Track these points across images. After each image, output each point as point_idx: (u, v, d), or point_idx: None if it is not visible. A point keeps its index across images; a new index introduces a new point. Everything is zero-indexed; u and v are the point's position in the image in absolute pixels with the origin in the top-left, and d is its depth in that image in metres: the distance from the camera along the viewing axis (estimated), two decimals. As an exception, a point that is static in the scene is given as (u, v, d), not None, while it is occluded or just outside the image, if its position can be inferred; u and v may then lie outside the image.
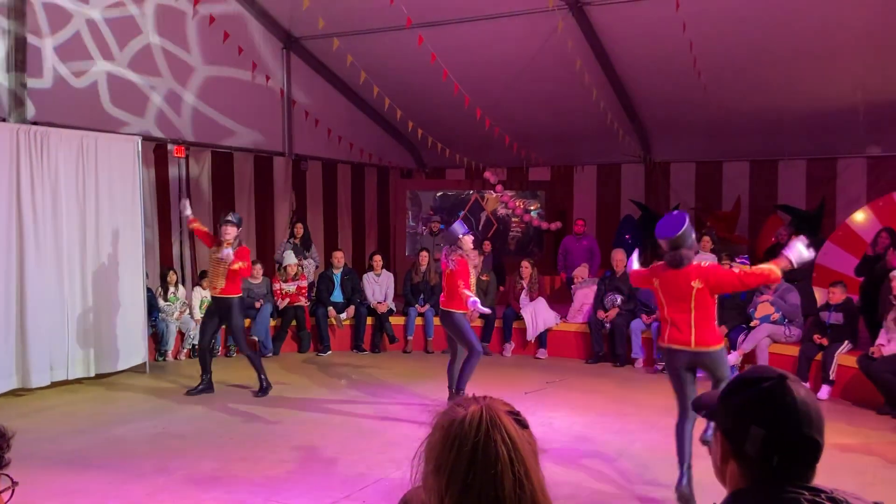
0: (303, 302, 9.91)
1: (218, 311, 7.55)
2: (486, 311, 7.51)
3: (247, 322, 9.66)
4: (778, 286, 8.12)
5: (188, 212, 7.86)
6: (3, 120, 7.58)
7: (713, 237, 10.33)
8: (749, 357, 8.09)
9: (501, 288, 10.59)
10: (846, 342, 7.52)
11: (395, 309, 10.10)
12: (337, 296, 10.00)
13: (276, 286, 9.89)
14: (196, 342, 9.36)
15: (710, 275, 4.82)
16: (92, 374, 8.01)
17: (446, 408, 1.39)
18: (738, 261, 8.55)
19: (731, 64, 9.21)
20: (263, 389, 7.55)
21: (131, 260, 8.40)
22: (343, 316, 9.95)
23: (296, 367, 9.06)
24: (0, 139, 7.30)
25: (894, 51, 8.51)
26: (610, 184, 12.54)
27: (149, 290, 8.83)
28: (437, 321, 9.83)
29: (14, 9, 7.66)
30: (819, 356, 7.61)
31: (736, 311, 8.42)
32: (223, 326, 7.95)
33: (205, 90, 9.95)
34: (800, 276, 8.72)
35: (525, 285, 9.84)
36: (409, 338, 9.86)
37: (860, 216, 9.19)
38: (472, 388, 7.58)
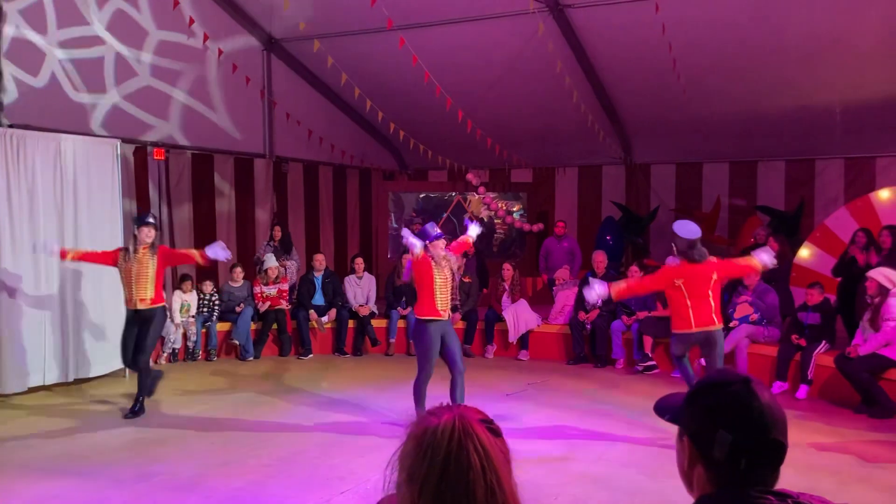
0: (284, 305, 9.87)
1: (140, 322, 6.86)
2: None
3: (227, 325, 9.62)
4: (756, 286, 8.20)
5: (55, 248, 7.02)
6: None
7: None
8: (728, 357, 8.14)
9: (484, 290, 10.60)
10: (824, 342, 7.60)
11: (377, 312, 10.09)
12: (318, 299, 9.97)
13: (257, 289, 9.85)
14: (176, 346, 9.33)
15: (722, 267, 6.27)
16: (70, 380, 7.94)
17: (419, 416, 1.39)
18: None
19: (711, 66, 9.28)
20: (135, 411, 6.87)
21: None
22: (324, 319, 9.92)
23: (277, 370, 9.03)
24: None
25: (870, 54, 8.62)
26: (591, 185, 12.60)
27: (128, 293, 8.75)
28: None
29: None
30: (797, 356, 7.69)
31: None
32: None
33: (185, 92, 9.89)
34: (778, 277, 8.80)
35: (507, 287, 9.86)
36: (392, 341, 9.85)
37: (837, 217, 9.28)
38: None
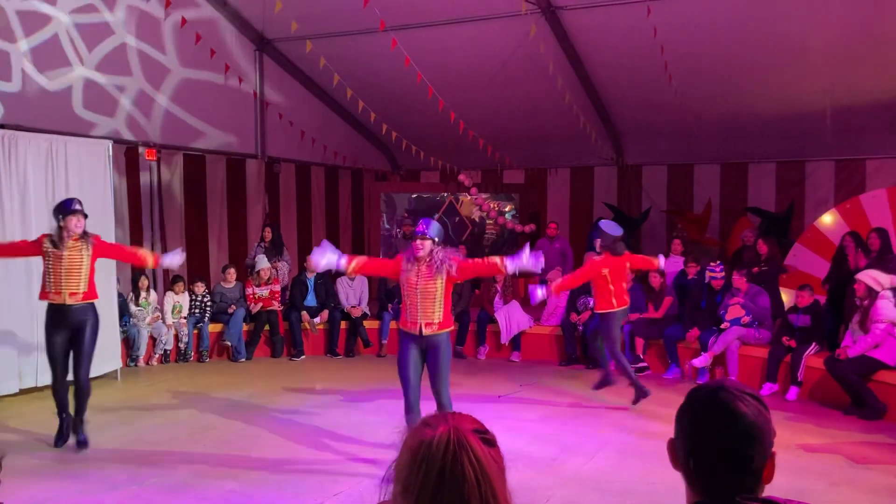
0: (276, 306, 9.86)
1: (72, 325, 5.94)
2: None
3: (219, 327, 9.61)
4: (749, 289, 8.24)
5: None
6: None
7: (684, 239, 10.45)
8: (719, 359, 8.20)
9: (476, 291, 10.62)
10: (814, 344, 7.65)
11: (369, 313, 10.09)
12: (311, 300, 9.97)
13: (249, 290, 9.84)
14: (168, 347, 9.31)
15: (633, 260, 7.55)
16: (62, 381, 7.90)
17: (414, 427, 1.40)
18: (717, 270, 8.65)
19: (702, 68, 9.33)
20: (62, 435, 6.01)
21: (103, 265, 8.27)
22: (317, 320, 9.92)
23: (269, 371, 9.02)
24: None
25: (861, 57, 8.67)
26: (583, 186, 12.63)
27: (120, 295, 8.74)
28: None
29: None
30: (787, 358, 7.73)
31: (707, 313, 8.53)
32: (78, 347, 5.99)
33: (177, 92, 9.88)
34: (769, 279, 8.86)
35: (499, 288, 9.89)
36: (384, 342, 9.86)
37: (828, 218, 9.35)
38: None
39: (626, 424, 6.70)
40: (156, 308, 9.27)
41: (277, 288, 9.99)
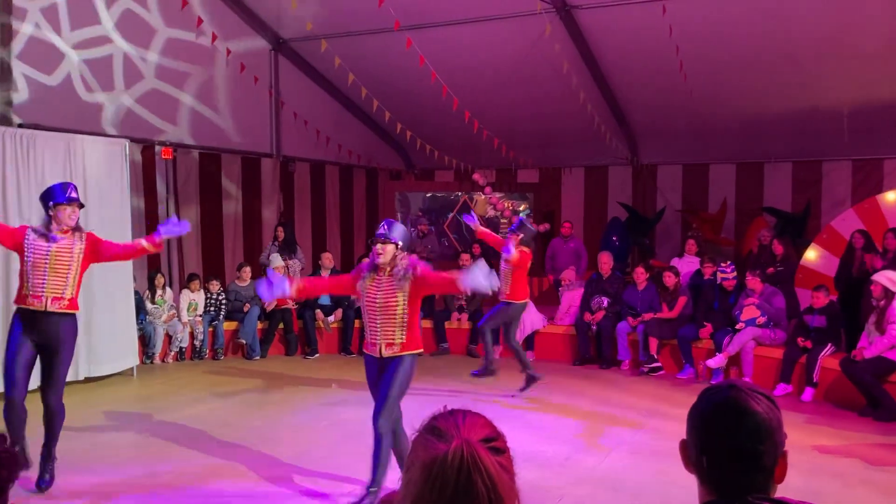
0: (290, 304, 9.91)
1: (47, 336, 4.94)
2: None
3: (234, 325, 9.67)
4: (763, 289, 8.20)
5: None
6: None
7: (699, 239, 10.41)
8: (734, 359, 8.17)
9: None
10: (829, 345, 7.60)
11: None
12: (324, 298, 10.00)
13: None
14: (183, 345, 9.38)
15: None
16: (80, 378, 7.98)
17: (425, 437, 1.39)
18: (728, 270, 8.62)
19: (718, 67, 9.28)
20: (44, 483, 5.00)
21: (120, 263, 8.36)
22: (331, 319, 9.96)
23: (283, 370, 9.07)
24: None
25: (878, 55, 8.61)
26: (597, 186, 12.60)
27: (136, 292, 8.82)
28: (425, 323, 9.87)
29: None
30: (803, 359, 7.69)
31: (722, 314, 8.49)
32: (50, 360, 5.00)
33: (194, 92, 9.94)
34: (784, 279, 8.81)
35: (512, 288, 9.87)
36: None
37: (844, 219, 9.28)
38: (458, 391, 7.63)
39: (641, 423, 6.69)
40: (171, 306, 9.34)
41: (292, 286, 10.03)
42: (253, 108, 10.78)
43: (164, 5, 9.34)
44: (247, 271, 9.88)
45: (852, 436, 6.42)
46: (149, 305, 9.14)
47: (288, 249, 10.52)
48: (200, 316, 9.50)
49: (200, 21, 9.29)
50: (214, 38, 9.47)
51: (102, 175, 8.18)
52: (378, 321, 4.69)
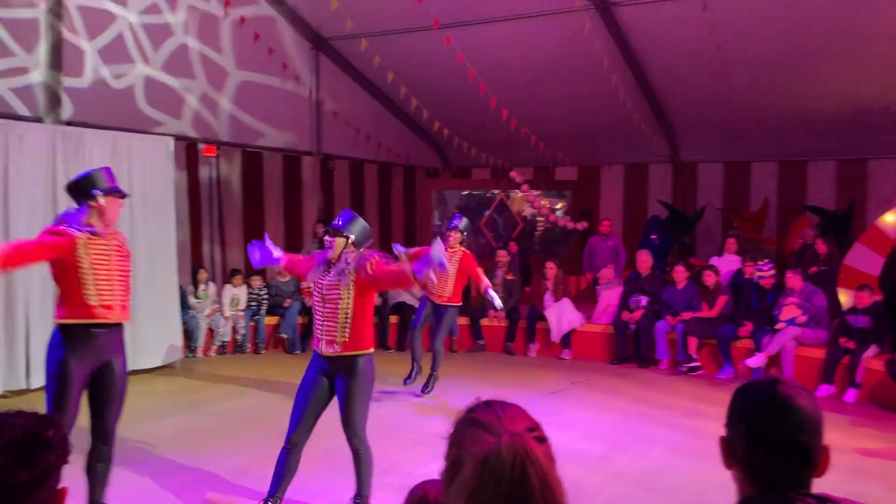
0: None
1: (103, 353, 4.18)
2: None
3: (275, 319, 9.83)
4: (804, 288, 8.08)
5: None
6: (40, 121, 7.78)
7: (739, 238, 10.28)
8: (774, 359, 8.06)
9: (527, 289, 10.62)
10: (873, 346, 7.46)
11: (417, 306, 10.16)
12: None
13: (304, 284, 10.03)
14: (225, 339, 9.55)
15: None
16: (127, 371, 8.17)
17: (471, 432, 1.38)
18: (765, 269, 8.51)
19: (760, 63, 9.15)
20: None
21: (164, 258, 8.56)
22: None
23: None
24: (38, 140, 7.48)
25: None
26: (637, 184, 12.50)
27: (179, 287, 9.01)
28: (461, 321, 9.92)
29: (52, 9, 7.85)
30: (845, 359, 7.56)
31: (762, 312, 8.39)
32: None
33: (236, 91, 10.11)
34: (827, 278, 8.66)
35: (549, 286, 9.87)
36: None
37: (891, 217, 9.09)
38: (495, 388, 7.66)
39: (678, 424, 6.65)
40: (214, 300, 9.52)
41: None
42: (294, 106, 10.92)
43: (208, 6, 9.50)
44: (287, 267, 10.01)
45: (896, 438, 6.31)
46: (192, 300, 9.33)
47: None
48: (242, 311, 9.67)
49: (243, 20, 9.44)
50: (257, 36, 9.62)
51: (148, 172, 8.36)
52: (322, 315, 4.42)
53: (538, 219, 13.12)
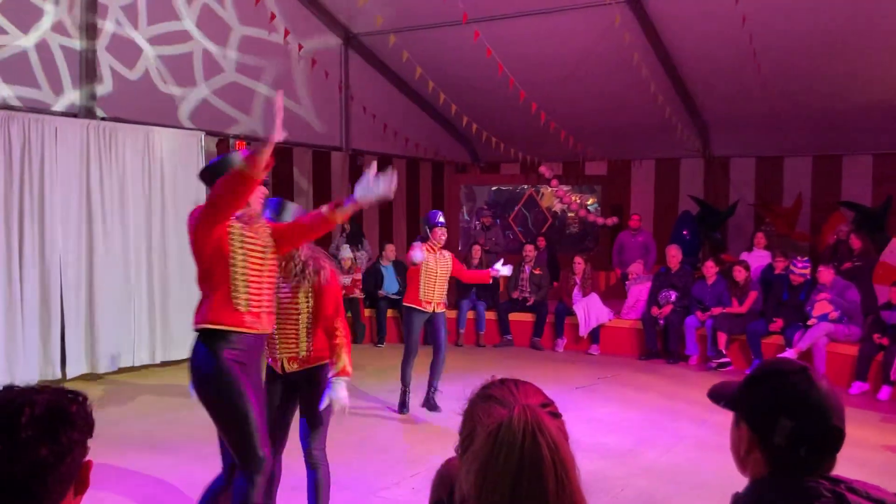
0: (357, 294, 10.09)
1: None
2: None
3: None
4: (835, 283, 7.94)
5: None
6: (75, 116, 7.92)
7: (769, 233, 10.14)
8: (805, 356, 7.94)
9: (556, 283, 10.59)
10: (909, 343, 7.32)
11: (447, 302, 10.17)
12: (393, 286, 10.10)
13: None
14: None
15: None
16: (157, 362, 8.32)
17: (485, 406, 1.39)
18: (799, 265, 8.38)
19: (793, 56, 9.02)
20: None
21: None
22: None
23: (352, 357, 9.21)
24: (72, 135, 7.63)
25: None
26: (668, 179, 12.40)
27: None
28: (489, 315, 9.92)
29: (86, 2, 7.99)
30: (879, 356, 7.43)
31: (792, 308, 8.27)
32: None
33: (265, 87, 10.19)
34: (861, 274, 8.52)
35: (577, 281, 9.83)
36: (461, 331, 9.94)
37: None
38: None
39: (706, 419, 6.58)
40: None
41: (359, 276, 10.23)
42: (323, 101, 10.99)
43: (239, 2, 9.59)
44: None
45: (931, 437, 6.18)
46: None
47: (355, 241, 10.71)
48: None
49: (273, 16, 9.52)
50: (287, 33, 9.69)
51: (179, 167, 8.48)
52: (279, 328, 3.78)
53: (568, 214, 13.06)
